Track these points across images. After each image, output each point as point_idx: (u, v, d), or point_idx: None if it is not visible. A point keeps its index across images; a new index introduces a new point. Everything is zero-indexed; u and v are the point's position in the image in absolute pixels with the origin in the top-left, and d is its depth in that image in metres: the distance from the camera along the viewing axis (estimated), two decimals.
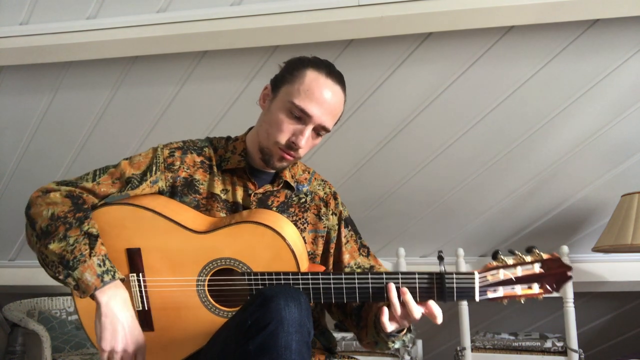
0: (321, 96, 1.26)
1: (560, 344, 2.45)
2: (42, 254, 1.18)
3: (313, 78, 1.27)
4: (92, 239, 1.15)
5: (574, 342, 2.41)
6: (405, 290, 1.15)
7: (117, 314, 1.13)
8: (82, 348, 2.76)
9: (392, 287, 1.15)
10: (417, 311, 1.14)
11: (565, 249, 2.54)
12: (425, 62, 2.41)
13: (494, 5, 2.16)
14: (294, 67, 1.30)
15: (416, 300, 1.15)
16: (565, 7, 2.13)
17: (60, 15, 2.47)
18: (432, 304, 1.15)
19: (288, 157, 1.29)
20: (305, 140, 1.27)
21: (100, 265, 1.13)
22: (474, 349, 2.54)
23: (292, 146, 1.28)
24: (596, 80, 2.37)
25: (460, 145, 2.63)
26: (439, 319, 1.16)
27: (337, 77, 1.30)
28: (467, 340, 2.53)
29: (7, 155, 2.99)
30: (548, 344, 2.46)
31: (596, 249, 2.54)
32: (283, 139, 1.28)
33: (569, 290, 2.47)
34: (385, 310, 1.16)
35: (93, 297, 1.13)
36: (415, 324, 3.07)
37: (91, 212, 1.22)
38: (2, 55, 2.55)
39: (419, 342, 2.95)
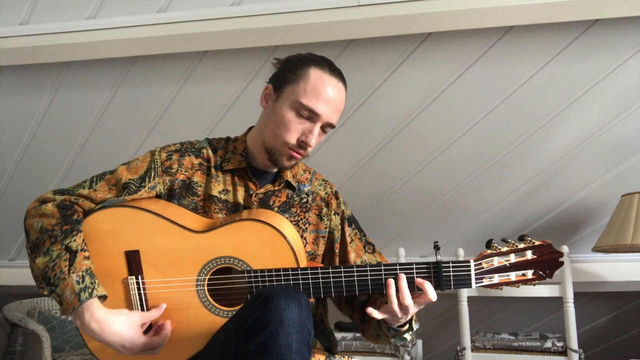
0: (327, 94, 1.27)
1: (560, 344, 2.45)
2: (31, 268, 1.19)
3: (317, 77, 1.28)
4: (72, 254, 1.15)
5: (574, 342, 2.41)
6: (401, 275, 1.18)
7: (100, 337, 1.13)
8: (82, 348, 2.76)
9: (392, 282, 1.18)
10: (408, 297, 1.16)
11: (565, 249, 2.54)
12: (425, 62, 2.41)
13: (494, 5, 2.16)
14: (296, 66, 1.31)
15: (413, 290, 1.18)
16: (565, 7, 2.13)
17: (60, 15, 2.47)
18: (428, 286, 1.17)
19: (298, 155, 1.30)
20: (315, 138, 1.29)
21: (78, 282, 1.12)
22: (474, 349, 2.54)
23: (302, 145, 1.29)
24: (596, 80, 2.37)
25: (460, 145, 2.63)
26: (434, 297, 1.18)
27: (339, 74, 1.33)
28: (467, 340, 2.53)
29: (7, 155, 2.99)
30: (548, 344, 2.46)
31: (596, 249, 2.54)
32: (293, 138, 1.28)
33: (569, 290, 2.47)
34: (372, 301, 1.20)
35: (73, 317, 1.14)
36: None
37: (81, 222, 1.21)
38: (2, 55, 2.55)
39: (419, 342, 2.95)
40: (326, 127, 1.31)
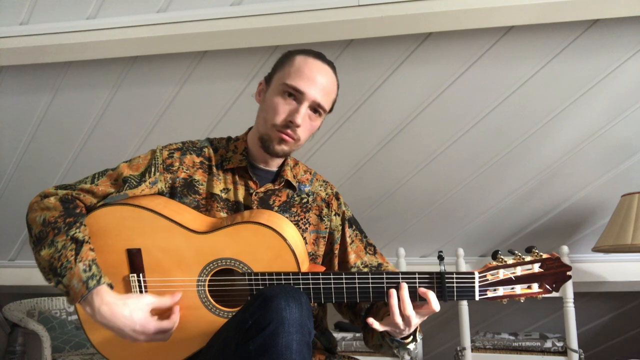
0: (311, 73, 1.29)
1: (560, 344, 2.45)
2: (37, 260, 1.19)
3: (302, 60, 1.31)
4: (78, 244, 1.15)
5: (574, 342, 2.41)
6: (403, 285, 1.15)
7: (111, 322, 1.13)
8: (82, 348, 2.76)
9: (394, 292, 1.16)
10: (409, 308, 1.15)
11: (565, 249, 2.54)
12: (425, 62, 2.41)
13: (494, 5, 2.16)
14: (284, 57, 1.35)
15: (415, 300, 1.16)
16: (565, 7, 2.13)
17: (60, 15, 2.47)
18: (431, 295, 1.15)
19: (287, 137, 1.30)
20: (302, 118, 1.28)
21: (85, 271, 1.13)
22: (474, 349, 2.54)
23: (289, 125, 1.28)
24: (596, 80, 2.37)
25: (460, 145, 2.63)
26: (437, 308, 1.16)
27: (327, 61, 1.34)
28: (467, 340, 2.53)
29: (7, 155, 2.99)
30: (548, 344, 2.46)
31: (596, 249, 2.54)
32: (280, 119, 1.29)
33: (569, 290, 2.47)
34: (373, 312, 1.19)
35: (82, 304, 1.14)
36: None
37: (85, 215, 1.22)
38: (2, 55, 2.55)
39: (419, 342, 2.95)
40: (316, 107, 1.31)
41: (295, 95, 1.28)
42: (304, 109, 1.29)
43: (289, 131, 1.29)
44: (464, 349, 2.52)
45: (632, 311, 2.99)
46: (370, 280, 1.18)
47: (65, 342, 2.77)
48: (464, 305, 2.58)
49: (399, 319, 1.15)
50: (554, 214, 2.79)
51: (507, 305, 3.09)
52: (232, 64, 2.52)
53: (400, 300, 1.15)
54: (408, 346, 1.24)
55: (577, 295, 2.56)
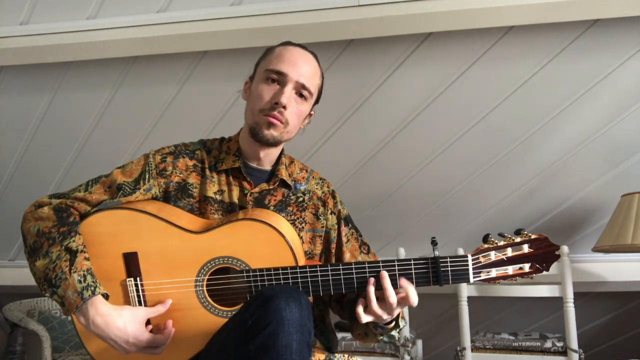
0: (292, 57, 1.32)
1: (560, 344, 2.45)
2: (32, 271, 1.19)
3: (282, 48, 1.36)
4: (73, 254, 1.15)
5: (574, 342, 2.41)
6: (384, 274, 1.18)
7: (104, 332, 1.13)
8: (82, 348, 2.76)
9: (372, 281, 1.18)
10: (392, 295, 1.17)
11: (565, 249, 2.54)
12: (425, 62, 2.41)
13: (494, 5, 2.16)
14: (265, 51, 1.40)
15: (396, 287, 1.18)
16: (565, 7, 2.13)
17: (60, 15, 2.47)
18: (410, 288, 1.18)
19: (274, 120, 1.30)
20: (287, 98, 1.29)
21: (80, 282, 1.13)
22: (474, 349, 2.54)
23: (275, 107, 1.29)
24: (596, 80, 2.37)
25: (460, 145, 2.63)
26: (414, 301, 1.18)
27: (307, 49, 1.38)
28: (467, 340, 2.53)
29: (8, 155, 2.99)
30: (548, 344, 2.46)
31: (596, 249, 2.54)
32: (265, 103, 1.30)
33: (569, 290, 2.47)
34: (361, 301, 1.21)
35: (76, 315, 1.14)
36: (415, 324, 3.07)
37: (79, 223, 1.22)
38: (2, 55, 2.55)
39: (419, 342, 2.95)
40: (300, 90, 1.32)
41: (279, 79, 1.30)
42: (289, 90, 1.30)
43: (275, 113, 1.29)
44: (464, 349, 2.52)
45: (632, 311, 2.99)
46: (367, 270, 1.20)
47: (65, 342, 2.77)
48: (464, 305, 2.58)
49: (375, 307, 1.17)
50: (553, 214, 2.79)
51: (507, 305, 3.09)
52: (232, 64, 2.52)
53: (384, 289, 1.17)
54: (392, 332, 1.26)
55: (577, 295, 2.56)
